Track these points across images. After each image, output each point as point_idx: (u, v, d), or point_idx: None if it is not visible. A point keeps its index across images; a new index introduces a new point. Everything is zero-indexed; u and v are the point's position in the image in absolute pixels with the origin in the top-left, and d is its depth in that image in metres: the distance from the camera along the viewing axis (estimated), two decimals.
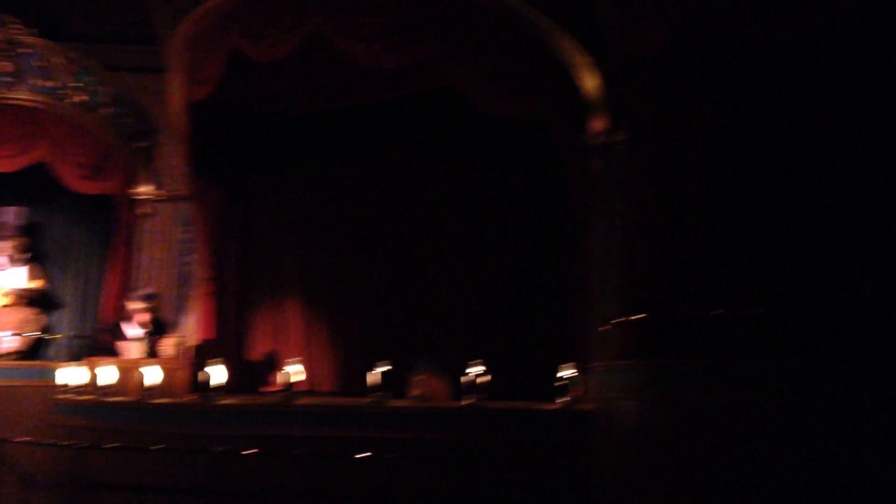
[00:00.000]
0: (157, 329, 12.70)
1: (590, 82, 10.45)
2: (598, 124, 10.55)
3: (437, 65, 11.24)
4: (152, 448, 10.25)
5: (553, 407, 10.18)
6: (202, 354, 12.63)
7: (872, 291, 7.98)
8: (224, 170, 15.01)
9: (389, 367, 10.84)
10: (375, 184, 14.89)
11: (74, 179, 14.37)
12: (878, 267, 8.01)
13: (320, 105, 14.17)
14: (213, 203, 14.58)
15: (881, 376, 7.11)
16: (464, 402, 10.21)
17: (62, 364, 12.57)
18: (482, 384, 10.25)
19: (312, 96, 13.84)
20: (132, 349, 12.28)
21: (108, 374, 11.19)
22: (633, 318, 9.16)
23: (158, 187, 14.15)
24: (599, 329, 10.02)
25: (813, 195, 8.30)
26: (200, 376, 10.90)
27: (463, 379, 10.32)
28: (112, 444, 10.50)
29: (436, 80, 12.02)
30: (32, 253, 15.24)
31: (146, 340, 12.18)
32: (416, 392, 11.43)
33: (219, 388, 10.74)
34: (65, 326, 15.19)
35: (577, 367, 10.71)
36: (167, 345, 12.51)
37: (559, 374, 10.37)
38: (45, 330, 14.83)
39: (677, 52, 9.06)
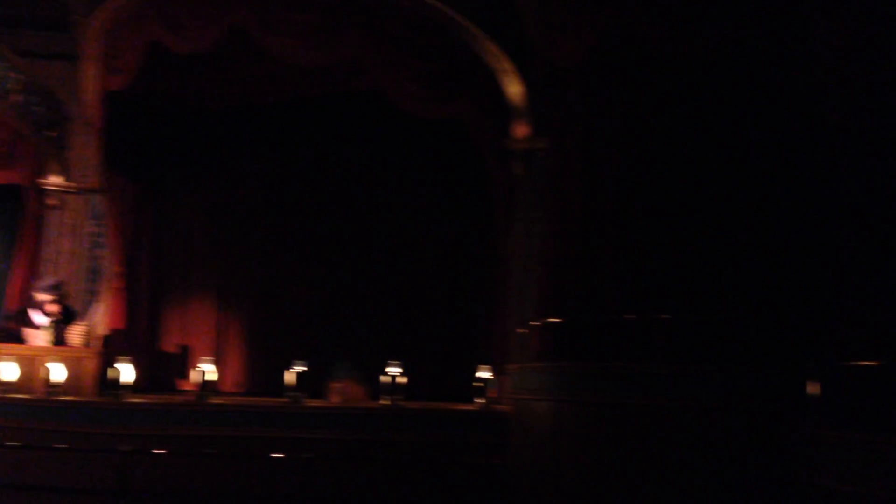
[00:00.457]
0: (66, 318, 12.25)
1: (513, 89, 10.62)
2: (520, 130, 10.73)
3: (361, 65, 11.22)
4: (56, 447, 9.89)
5: (470, 408, 10.30)
6: (111, 346, 12.27)
7: (778, 299, 8.34)
8: (138, 163, 14.63)
9: (305, 368, 10.75)
10: (295, 182, 14.75)
11: None
12: (782, 275, 8.37)
13: (240, 100, 13.98)
14: (125, 196, 14.19)
15: (785, 380, 7.44)
16: (381, 403, 10.22)
17: None
18: (400, 385, 10.28)
19: (233, 91, 13.64)
20: (39, 337, 11.80)
21: (9, 370, 10.72)
22: (549, 321, 9.34)
23: (69, 179, 13.63)
24: (517, 331, 10.19)
25: (724, 205, 8.62)
26: (109, 373, 10.57)
27: (381, 379, 10.33)
28: (13, 443, 10.07)
29: (360, 80, 12.01)
30: None
31: (53, 329, 11.72)
32: (334, 400, 11.37)
33: (127, 386, 10.44)
34: None
35: (494, 368, 10.86)
36: (74, 333, 12.07)
37: (477, 376, 10.51)
38: None
39: (598, 62, 9.29)
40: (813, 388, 6.42)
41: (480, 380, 10.46)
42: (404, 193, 14.17)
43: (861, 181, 6.39)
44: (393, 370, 10.42)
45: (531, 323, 9.87)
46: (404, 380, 10.30)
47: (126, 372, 10.54)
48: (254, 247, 14.83)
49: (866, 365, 6.12)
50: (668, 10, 8.65)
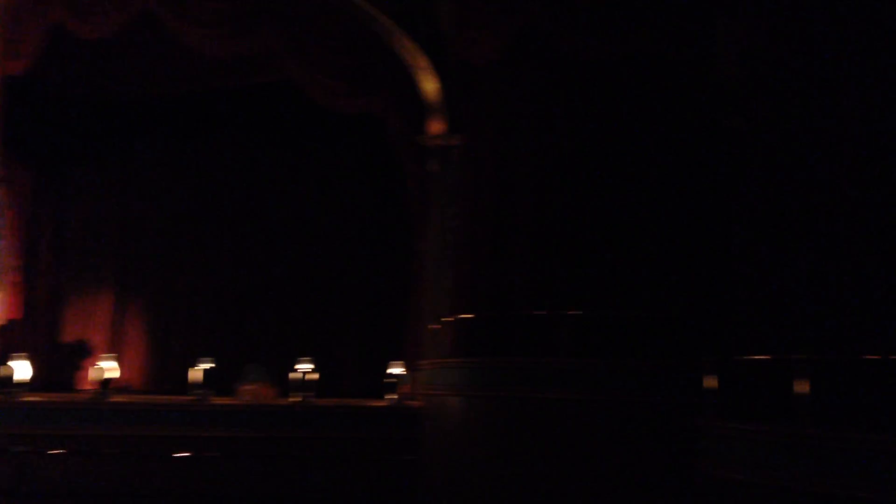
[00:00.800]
0: None
1: (429, 85, 10.63)
2: (435, 127, 10.75)
3: (274, 56, 11.00)
4: None
5: (382, 404, 10.27)
6: (8, 340, 11.72)
7: (679, 296, 8.59)
8: (39, 153, 13.98)
9: (212, 364, 10.53)
10: (203, 175, 14.28)
11: None
12: (683, 273, 8.62)
13: (149, 89, 13.49)
14: (25, 188, 13.57)
15: (684, 374, 7.65)
16: (291, 400, 10.08)
17: None
18: (310, 381, 10.17)
19: (141, 79, 13.16)
20: None
21: None
22: (461, 317, 9.39)
23: None
24: (430, 328, 10.20)
25: (630, 204, 8.82)
26: (2, 371, 10.08)
27: (291, 376, 10.20)
28: None
29: (273, 72, 11.76)
30: None
31: None
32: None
33: (23, 384, 10.01)
34: None
35: (407, 364, 10.86)
36: None
37: (389, 372, 10.49)
38: None
39: (513, 61, 9.38)
40: (710, 382, 6.61)
41: (393, 376, 10.45)
42: (318, 188, 13.95)
43: (757, 181, 6.63)
44: (303, 366, 10.30)
45: (444, 319, 9.90)
46: (315, 376, 10.19)
47: (21, 369, 10.10)
48: (158, 240, 14.33)
49: (760, 359, 6.34)
50: (581, 12, 8.81)
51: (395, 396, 10.26)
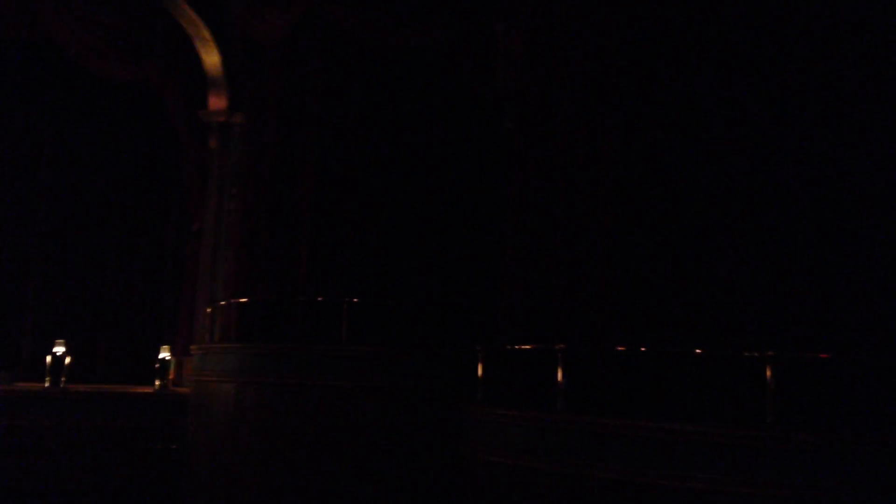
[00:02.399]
0: None
1: (210, 59, 10.18)
2: (216, 103, 10.32)
3: (35, 10, 9.96)
4: None
5: (148, 391, 9.76)
6: None
7: (453, 286, 8.84)
8: None
9: None
10: None
11: None
12: (457, 265, 8.89)
13: None
14: None
15: (458, 361, 7.89)
16: (44, 386, 9.32)
17: None
18: (69, 366, 9.47)
19: None
20: None
21: None
22: (237, 301, 9.09)
23: None
24: (206, 311, 9.80)
25: (409, 195, 8.95)
26: None
27: (47, 360, 9.43)
28: None
29: (34, 29, 10.66)
30: None
31: None
32: None
33: None
34: None
35: (177, 349, 10.38)
36: None
37: (160, 357, 9.98)
38: None
39: (299, 41, 9.18)
40: (482, 369, 6.85)
41: (162, 361, 9.96)
42: (87, 159, 12.88)
43: (526, 183, 6.95)
44: (58, 349, 9.55)
45: (220, 303, 9.55)
46: (68, 359, 9.49)
47: None
48: None
49: (526, 348, 6.66)
50: (366, 0, 8.78)
51: (161, 383, 9.79)
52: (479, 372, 6.90)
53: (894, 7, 5.54)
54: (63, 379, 9.45)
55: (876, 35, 5.61)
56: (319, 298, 8.65)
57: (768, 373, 5.04)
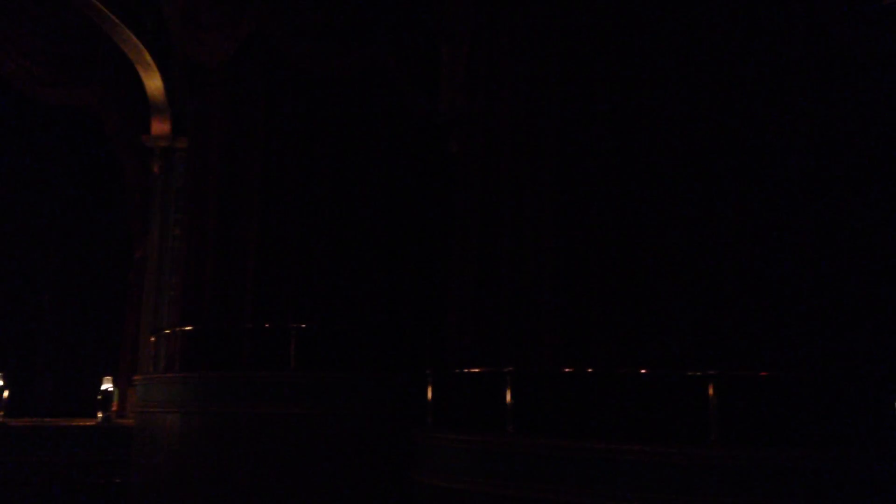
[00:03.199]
0: None
1: (153, 83, 10.04)
2: (160, 127, 10.19)
3: None
4: None
5: (91, 423, 9.50)
6: None
7: (402, 310, 8.82)
8: None
9: None
10: None
11: None
12: (406, 288, 8.87)
13: None
14: None
15: (407, 386, 7.87)
16: None
17: None
18: (7, 399, 9.19)
19: None
20: None
21: None
22: (182, 329, 8.93)
23: None
24: (150, 340, 9.60)
25: (355, 218, 8.92)
26: None
27: None
28: None
29: None
30: None
31: None
32: None
33: None
34: None
35: (121, 379, 10.15)
36: None
37: (102, 388, 9.75)
38: None
39: (242, 66, 9.12)
40: (431, 393, 6.82)
41: (105, 392, 9.73)
42: (26, 186, 12.55)
43: (471, 205, 6.99)
44: None
45: (164, 331, 9.37)
46: (6, 392, 9.21)
47: None
48: None
49: (477, 371, 6.66)
50: (309, 24, 8.78)
51: (104, 415, 9.56)
52: (429, 395, 6.88)
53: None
54: (1, 413, 9.15)
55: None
56: (267, 325, 8.54)
57: (710, 391, 5.12)
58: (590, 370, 6.05)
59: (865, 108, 5.56)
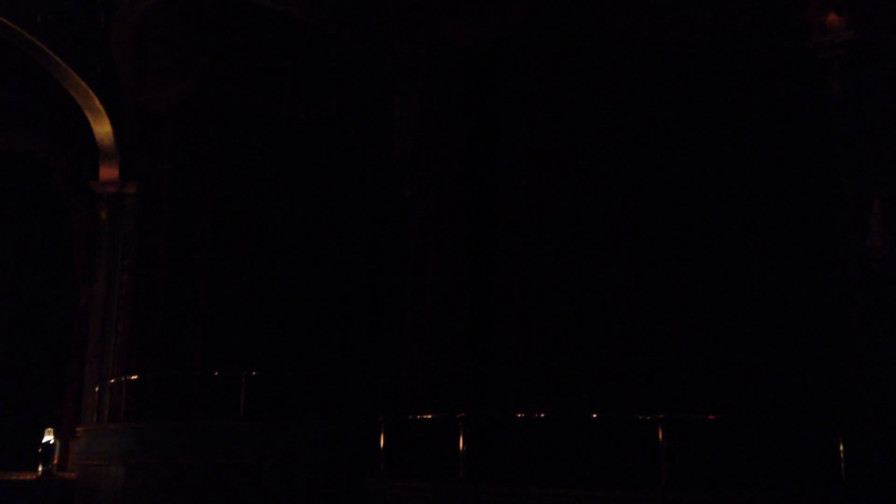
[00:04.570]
0: None
1: (102, 128, 9.97)
2: (108, 173, 10.07)
3: None
4: None
5: (30, 477, 9.19)
6: None
7: (353, 357, 8.74)
8: None
9: None
10: None
11: None
12: (357, 335, 8.80)
13: None
14: None
15: (360, 433, 7.77)
16: None
17: None
18: None
19: None
20: None
21: None
22: (128, 378, 8.70)
23: None
24: (95, 389, 9.34)
25: (307, 265, 8.86)
26: None
27: None
28: None
29: None
30: None
31: None
32: None
33: None
34: None
35: (64, 431, 9.85)
36: None
37: (44, 440, 9.44)
38: None
39: (194, 112, 9.07)
40: (384, 440, 6.73)
41: (47, 444, 9.43)
42: None
43: (424, 250, 7.01)
44: None
45: (109, 380, 9.12)
46: None
47: None
48: None
49: (430, 417, 6.61)
50: (260, 72, 8.80)
51: (45, 468, 9.25)
52: (381, 443, 6.78)
53: None
54: None
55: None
56: (216, 373, 8.37)
57: (660, 434, 5.15)
58: (542, 415, 6.04)
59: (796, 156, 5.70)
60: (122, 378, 8.75)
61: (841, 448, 5.01)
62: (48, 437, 9.48)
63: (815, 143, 5.57)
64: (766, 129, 5.67)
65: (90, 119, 9.97)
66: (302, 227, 8.94)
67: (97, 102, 9.87)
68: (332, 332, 8.75)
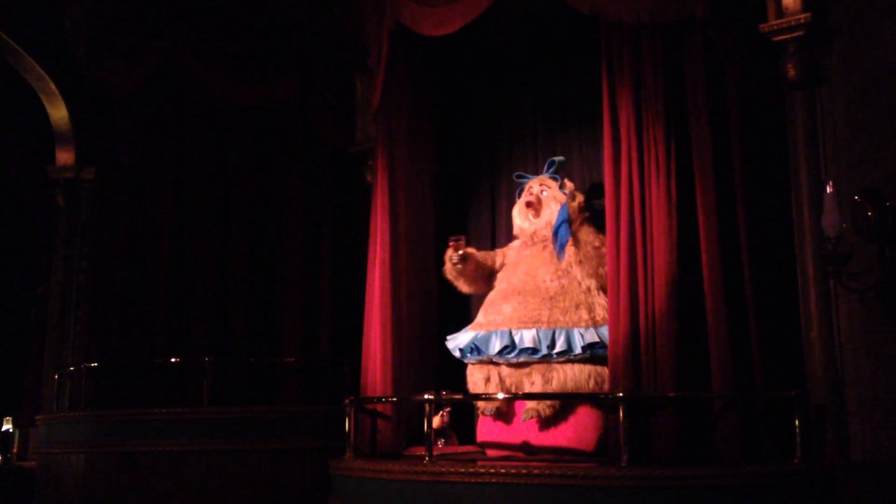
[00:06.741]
0: None
1: (57, 113, 9.77)
2: (65, 158, 9.90)
3: None
4: None
5: None
6: None
7: (324, 340, 8.73)
8: None
9: None
10: None
11: None
12: (328, 318, 8.79)
13: None
14: None
15: (325, 417, 7.78)
16: None
17: None
18: None
19: None
20: None
21: None
22: (88, 365, 8.59)
23: None
24: (54, 377, 9.22)
25: (278, 250, 8.83)
26: None
27: None
28: None
29: None
30: None
31: None
32: None
33: None
34: None
35: (23, 420, 9.72)
36: None
37: (2, 429, 9.33)
38: None
39: (152, 95, 8.97)
40: (348, 425, 6.72)
41: (3, 433, 9.32)
42: None
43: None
44: None
45: (69, 368, 9.00)
46: None
47: None
48: None
49: (395, 399, 6.65)
50: (219, 53, 8.73)
51: (5, 456, 9.14)
52: (346, 427, 6.79)
53: None
54: None
55: None
56: (178, 360, 8.31)
57: (620, 413, 5.19)
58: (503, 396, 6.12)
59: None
60: (82, 366, 8.64)
61: (797, 424, 5.09)
62: (7, 427, 9.38)
63: (772, 125, 5.64)
64: (723, 112, 5.72)
65: (46, 103, 9.77)
66: (264, 212, 8.90)
67: (53, 86, 9.67)
68: (296, 317, 8.72)
